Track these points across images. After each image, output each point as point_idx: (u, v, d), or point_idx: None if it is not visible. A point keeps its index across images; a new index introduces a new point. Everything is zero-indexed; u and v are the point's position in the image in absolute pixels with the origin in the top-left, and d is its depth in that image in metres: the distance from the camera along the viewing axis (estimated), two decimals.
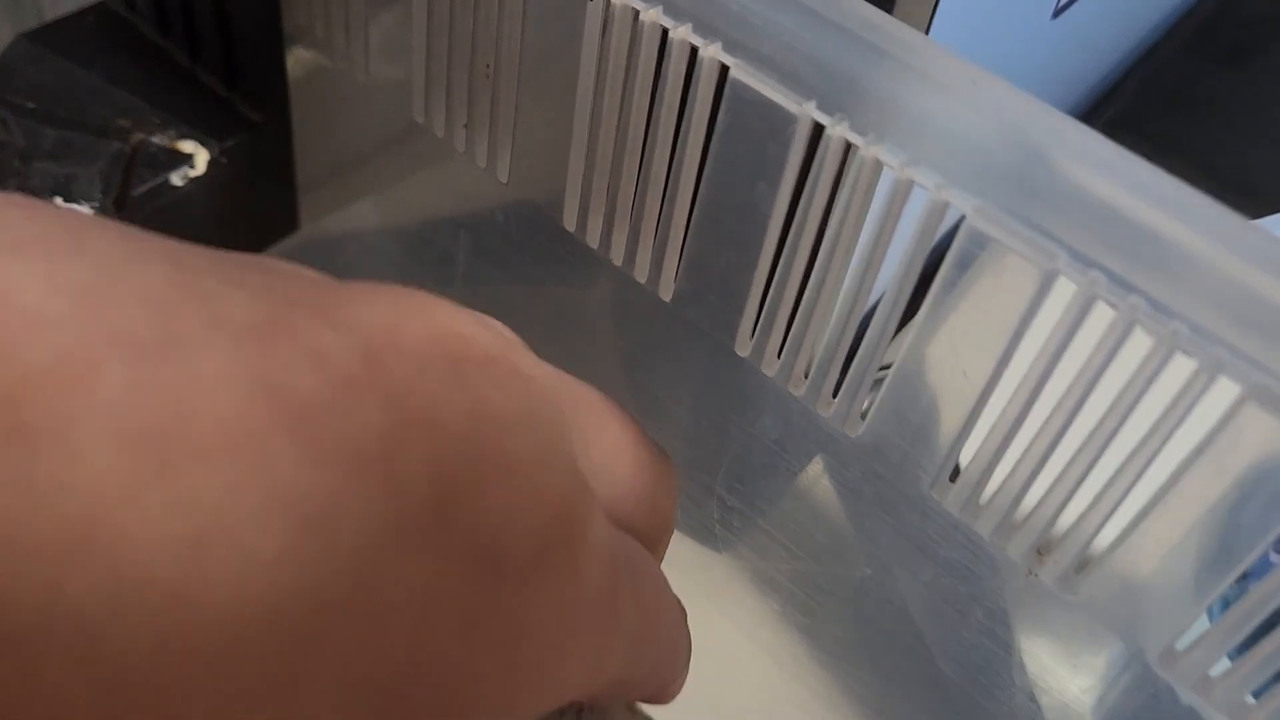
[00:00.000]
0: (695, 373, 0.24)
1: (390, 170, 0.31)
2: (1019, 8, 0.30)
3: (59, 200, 0.26)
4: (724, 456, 0.25)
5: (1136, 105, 0.47)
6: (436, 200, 0.30)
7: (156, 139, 0.28)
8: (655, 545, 0.18)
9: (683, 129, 0.21)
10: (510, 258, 0.27)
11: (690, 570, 0.27)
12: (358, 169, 0.31)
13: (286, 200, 0.30)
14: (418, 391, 0.12)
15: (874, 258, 0.20)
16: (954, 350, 0.20)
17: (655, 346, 0.25)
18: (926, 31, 0.24)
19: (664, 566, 0.22)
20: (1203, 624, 0.20)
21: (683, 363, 0.24)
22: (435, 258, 0.30)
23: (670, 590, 0.18)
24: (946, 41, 0.26)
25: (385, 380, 0.11)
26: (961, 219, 0.18)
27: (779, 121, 0.19)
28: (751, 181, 0.20)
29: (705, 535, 0.26)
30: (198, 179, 0.27)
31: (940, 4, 0.24)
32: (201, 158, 0.27)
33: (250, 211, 0.29)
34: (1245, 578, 0.20)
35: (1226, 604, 0.20)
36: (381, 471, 0.11)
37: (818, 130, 0.19)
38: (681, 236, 0.22)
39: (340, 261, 0.31)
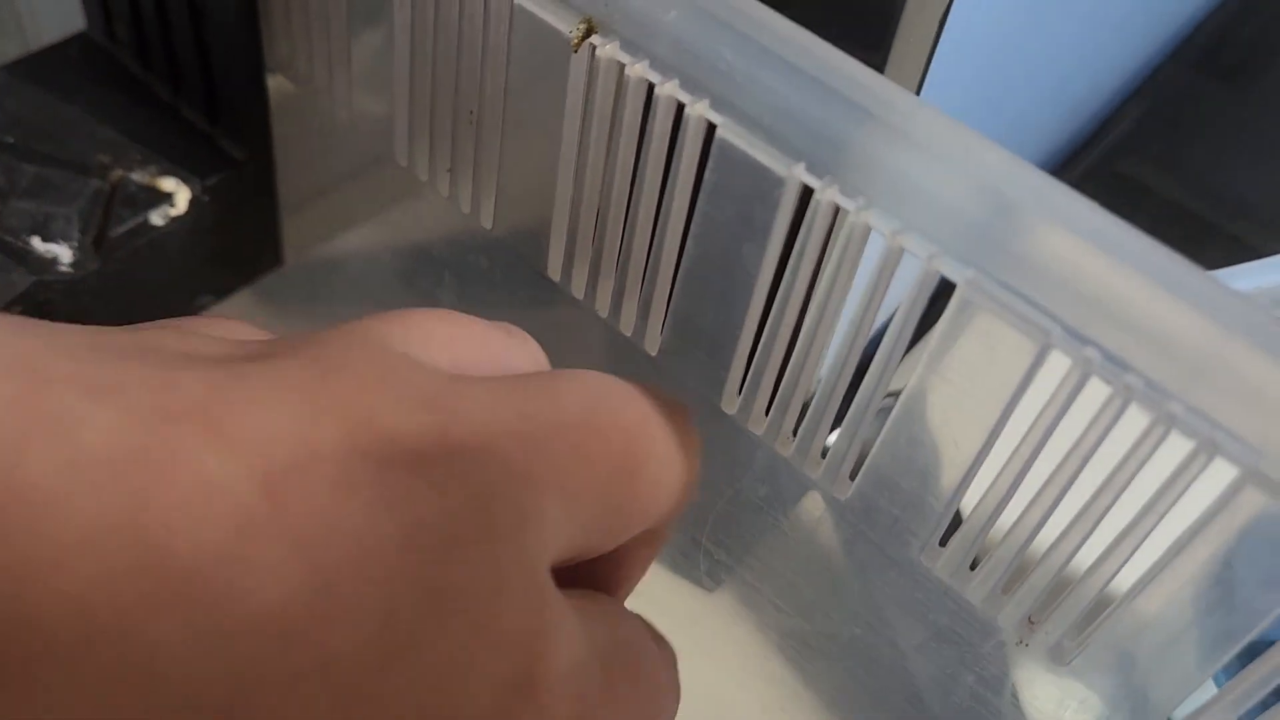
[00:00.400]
0: None
1: (376, 203, 0.30)
2: (1019, 47, 0.30)
3: (37, 240, 0.26)
4: (711, 511, 0.24)
5: (1140, 127, 0.46)
6: (422, 235, 0.29)
7: (137, 176, 0.27)
8: (672, 514, 0.16)
9: (669, 185, 0.20)
10: (494, 299, 0.27)
11: (678, 622, 0.26)
12: (343, 202, 0.31)
13: (269, 235, 0.29)
14: (335, 523, 0.09)
15: (863, 322, 0.19)
16: (945, 417, 0.19)
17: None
18: (922, 74, 0.23)
19: (651, 616, 0.21)
20: (1205, 691, 0.20)
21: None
22: (420, 293, 0.29)
23: (654, 650, 0.16)
24: (943, 81, 0.26)
25: (293, 517, 0.09)
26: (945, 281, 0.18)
27: (766, 183, 0.19)
28: (738, 241, 0.20)
29: (693, 587, 0.26)
30: (179, 217, 0.27)
31: (938, 48, 0.24)
32: (182, 196, 0.27)
33: (232, 248, 0.28)
34: (1253, 645, 0.19)
35: (1226, 674, 0.20)
36: (298, 641, 0.09)
37: (806, 193, 0.19)
38: (668, 292, 0.22)
39: (324, 296, 0.30)
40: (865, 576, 0.22)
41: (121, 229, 0.26)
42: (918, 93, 0.22)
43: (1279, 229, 0.44)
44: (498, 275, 0.26)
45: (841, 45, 0.20)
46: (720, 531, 0.24)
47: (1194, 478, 0.17)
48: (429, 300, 0.29)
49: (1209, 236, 0.44)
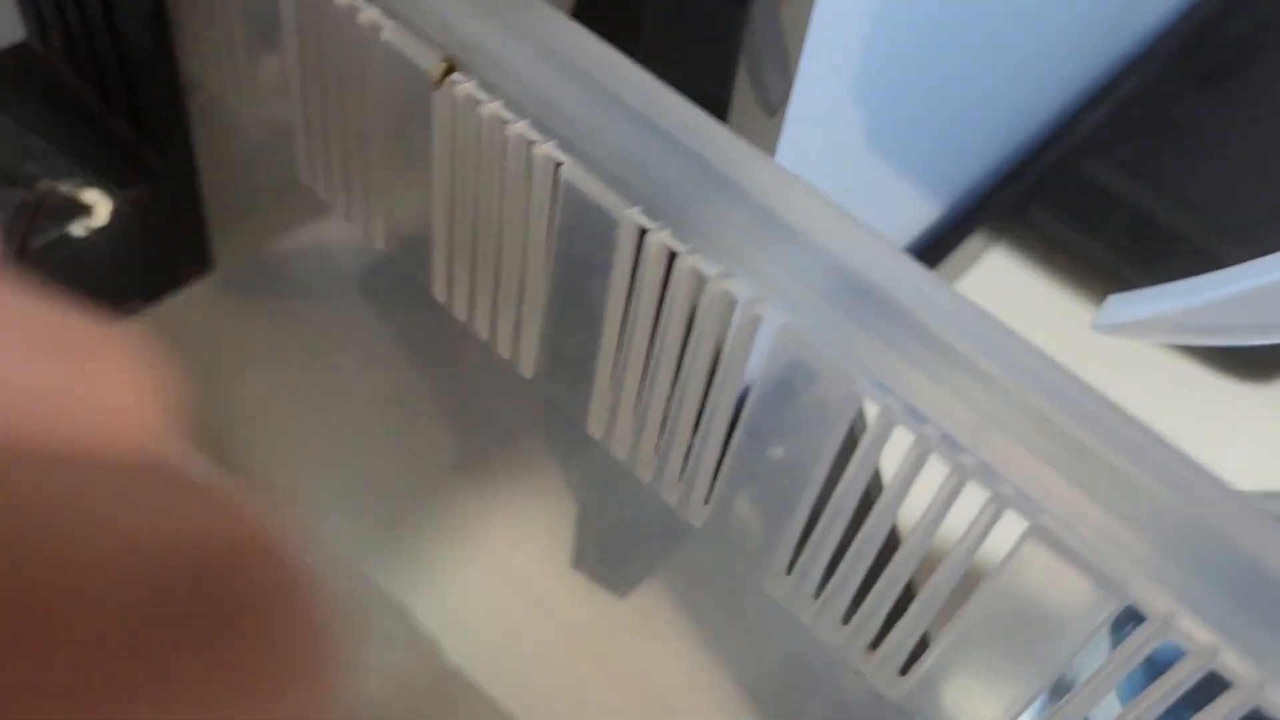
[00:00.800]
0: (557, 451, 0.25)
1: (303, 213, 0.31)
2: (927, 48, 0.30)
3: None
4: (590, 534, 0.25)
5: (1109, 126, 0.46)
6: (340, 246, 0.30)
7: (62, 187, 0.28)
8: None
9: (528, 219, 0.21)
10: (396, 316, 0.28)
11: (539, 649, 0.27)
12: (273, 210, 0.32)
13: (196, 243, 0.30)
14: None
15: (697, 357, 0.20)
16: (778, 452, 0.20)
17: (521, 423, 0.25)
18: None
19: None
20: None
21: (545, 441, 0.25)
22: (337, 302, 0.30)
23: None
24: (868, 67, 0.26)
25: None
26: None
27: (605, 224, 0.19)
28: (587, 276, 0.20)
29: (562, 611, 0.26)
30: (101, 228, 0.28)
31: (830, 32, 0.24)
32: (103, 208, 0.28)
33: (158, 257, 0.29)
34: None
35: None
36: None
37: (644, 235, 0.19)
38: (539, 316, 0.22)
39: (253, 299, 0.32)
40: (721, 604, 0.23)
41: (43, 240, 0.27)
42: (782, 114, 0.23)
43: (1243, 238, 0.44)
44: (400, 293, 0.27)
45: (692, 83, 0.21)
46: (594, 554, 0.25)
47: (989, 526, 0.17)
48: (338, 313, 0.30)
49: (1171, 244, 0.44)
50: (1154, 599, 0.16)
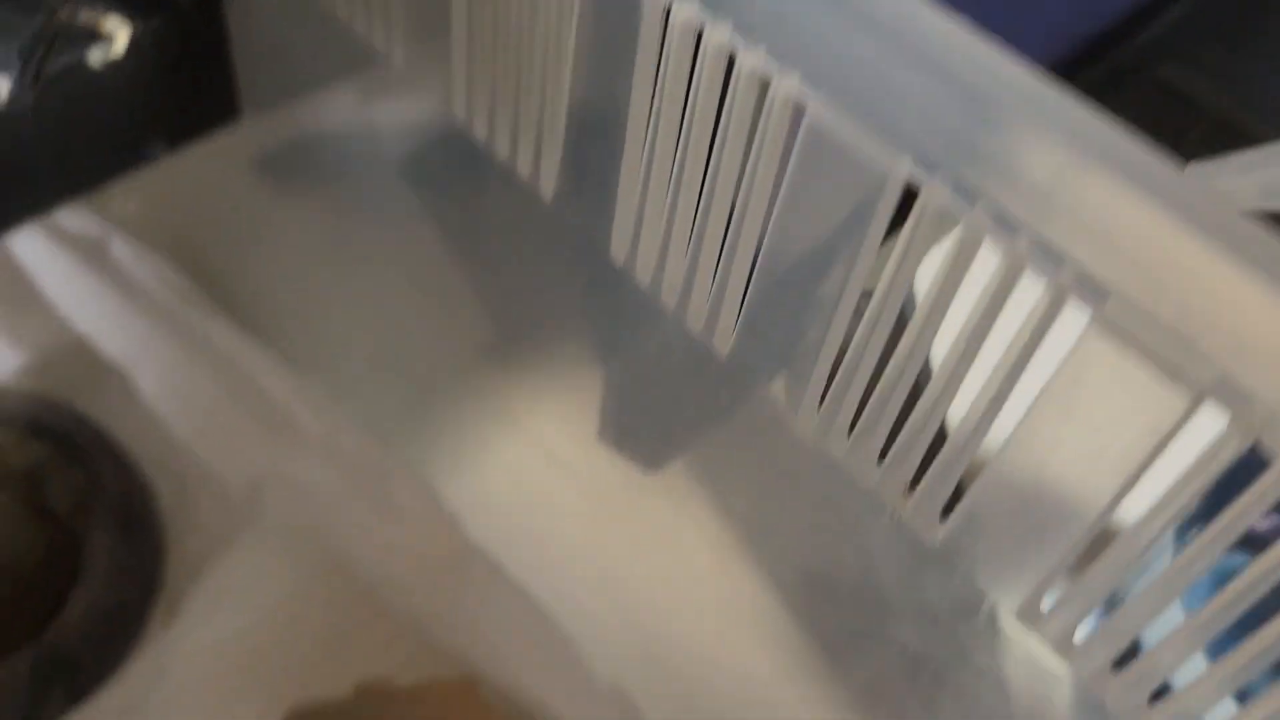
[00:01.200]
0: (589, 334, 0.23)
1: (335, 66, 0.30)
2: None
3: None
4: (615, 411, 0.23)
5: (1188, 27, 0.42)
6: (373, 102, 0.29)
7: (83, 16, 0.27)
8: None
9: (550, 12, 0.19)
10: (437, 174, 0.26)
11: (563, 526, 0.26)
12: (305, 58, 0.30)
13: (221, 86, 0.29)
14: None
15: (727, 153, 0.18)
16: (812, 268, 0.18)
17: (553, 305, 0.24)
18: None
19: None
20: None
21: (577, 325, 0.23)
22: (362, 161, 0.29)
23: None
24: None
25: None
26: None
27: (627, 9, 0.18)
28: (612, 70, 0.19)
29: (589, 484, 0.25)
30: (117, 58, 0.27)
31: None
32: (122, 38, 0.27)
33: (179, 96, 0.28)
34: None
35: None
36: None
37: (669, 12, 0.17)
38: (561, 125, 0.21)
39: (277, 152, 0.30)
40: (746, 443, 0.21)
41: (58, 67, 0.26)
42: None
43: None
44: (436, 174, 0.26)
45: None
46: (623, 431, 0.24)
47: (1047, 320, 0.15)
48: (375, 163, 0.28)
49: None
50: (1228, 396, 0.14)
